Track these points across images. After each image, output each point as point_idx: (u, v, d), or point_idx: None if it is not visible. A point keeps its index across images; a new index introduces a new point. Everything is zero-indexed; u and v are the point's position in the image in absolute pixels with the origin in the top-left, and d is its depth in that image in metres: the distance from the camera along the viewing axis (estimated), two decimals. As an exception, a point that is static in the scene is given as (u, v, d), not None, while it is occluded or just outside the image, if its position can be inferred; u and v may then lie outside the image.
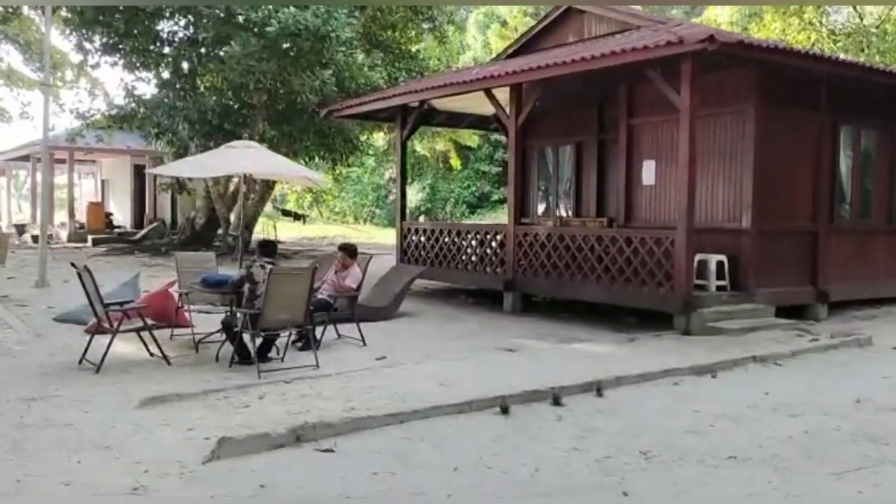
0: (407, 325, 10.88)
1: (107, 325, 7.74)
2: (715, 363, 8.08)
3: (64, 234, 28.33)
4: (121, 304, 8.09)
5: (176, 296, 9.33)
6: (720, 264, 10.88)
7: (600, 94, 13.75)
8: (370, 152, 29.78)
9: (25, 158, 32.05)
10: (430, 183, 41.73)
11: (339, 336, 9.35)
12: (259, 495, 4.55)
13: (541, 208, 15.73)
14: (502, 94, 12.42)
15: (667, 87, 9.89)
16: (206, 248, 21.57)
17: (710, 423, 6.03)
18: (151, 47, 20.45)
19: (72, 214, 28.99)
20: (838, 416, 6.29)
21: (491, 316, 11.90)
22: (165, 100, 20.25)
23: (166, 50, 20.78)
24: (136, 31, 19.66)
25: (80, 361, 7.68)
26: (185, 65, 20.75)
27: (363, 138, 23.49)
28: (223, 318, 8.22)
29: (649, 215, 12.61)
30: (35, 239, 25.10)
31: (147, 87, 22.43)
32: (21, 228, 30.92)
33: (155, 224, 28.72)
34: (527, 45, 14.68)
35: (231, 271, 9.99)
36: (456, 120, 17.25)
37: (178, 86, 20.58)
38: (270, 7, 17.11)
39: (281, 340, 8.19)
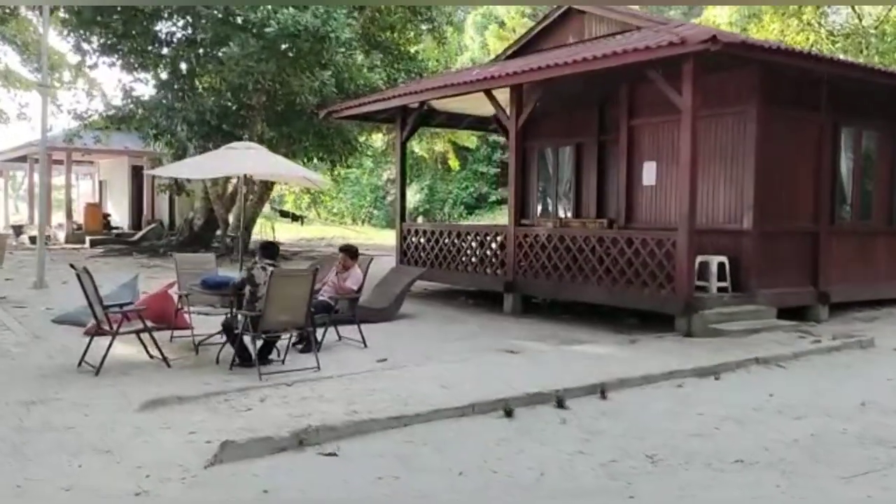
0: (407, 327, 10.83)
1: (106, 326, 7.69)
2: (717, 365, 8.05)
3: (61, 236, 28.25)
4: (120, 305, 8.04)
5: (175, 297, 9.28)
6: (721, 266, 10.84)
7: (601, 95, 13.72)
8: (369, 153, 29.71)
9: (23, 159, 31.97)
10: (429, 184, 41.71)
11: (340, 338, 9.31)
12: (262, 500, 4.50)
13: (540, 209, 15.69)
14: (502, 95, 12.37)
15: (668, 88, 9.85)
16: (205, 249, 21.51)
17: (714, 426, 5.99)
18: (150, 48, 20.39)
19: (69, 215, 28.91)
20: (843, 418, 6.26)
21: (491, 317, 11.85)
22: (164, 101, 20.18)
23: (165, 51, 20.72)
24: (134, 32, 19.60)
25: (80, 364, 7.62)
26: (183, 65, 20.69)
27: (362, 139, 23.45)
28: (223, 319, 8.16)
29: (650, 216, 12.58)
30: (32, 240, 25.03)
31: (145, 87, 22.42)
32: (18, 229, 30.83)
33: (153, 225, 28.65)
34: (526, 45, 14.64)
35: (230, 272, 9.96)
36: (455, 121, 17.20)
37: (176, 86, 20.52)
38: (269, 7, 17.07)
39: (281, 342, 8.15)
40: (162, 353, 7.86)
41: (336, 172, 26.72)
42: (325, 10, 16.96)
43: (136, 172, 30.33)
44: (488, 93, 12.37)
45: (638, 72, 10.42)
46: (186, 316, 9.08)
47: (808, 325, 10.68)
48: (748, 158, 10.95)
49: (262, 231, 26.54)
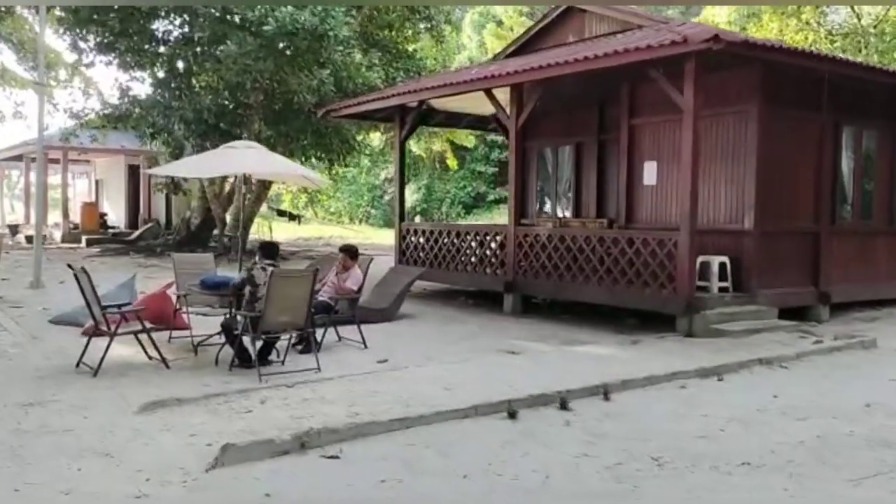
0: (407, 327, 10.78)
1: (104, 327, 7.62)
2: (720, 366, 8.01)
3: (58, 235, 28.13)
4: (118, 306, 7.96)
5: (174, 297, 9.21)
6: (722, 266, 10.80)
7: (601, 95, 13.66)
8: (366, 152, 29.63)
9: (19, 158, 31.84)
10: (426, 183, 41.65)
11: (340, 338, 9.25)
12: (265, 504, 4.44)
13: (538, 208, 15.63)
14: (502, 95, 12.32)
15: (670, 88, 9.81)
16: (202, 248, 21.41)
17: (720, 428, 5.94)
18: (147, 46, 20.28)
19: (66, 215, 28.78)
20: (849, 420, 6.21)
21: (491, 317, 11.80)
22: (161, 99, 20.08)
23: (161, 49, 20.62)
24: (131, 31, 19.50)
25: (77, 365, 7.56)
26: (180, 64, 20.59)
27: (360, 138, 23.36)
28: (223, 320, 8.10)
29: (650, 216, 12.53)
30: (29, 239, 24.92)
31: (142, 86, 22.29)
32: (14, 229, 30.71)
33: (150, 224, 28.54)
34: (526, 44, 14.58)
35: (229, 272, 9.89)
36: (454, 120, 17.15)
37: (173, 85, 20.41)
38: (267, 6, 16.98)
39: (281, 343, 8.08)
40: (161, 354, 7.79)
41: (334, 171, 26.65)
42: (323, 8, 16.88)
43: (133, 171, 30.23)
44: (488, 92, 12.31)
45: (639, 71, 10.38)
46: (185, 316, 9.01)
47: (809, 326, 10.65)
48: (749, 158, 10.91)
49: (259, 230, 26.46)
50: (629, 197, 12.89)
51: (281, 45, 17.16)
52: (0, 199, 41.86)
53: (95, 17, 19.00)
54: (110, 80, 27.50)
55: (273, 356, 7.92)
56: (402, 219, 15.37)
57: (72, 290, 9.42)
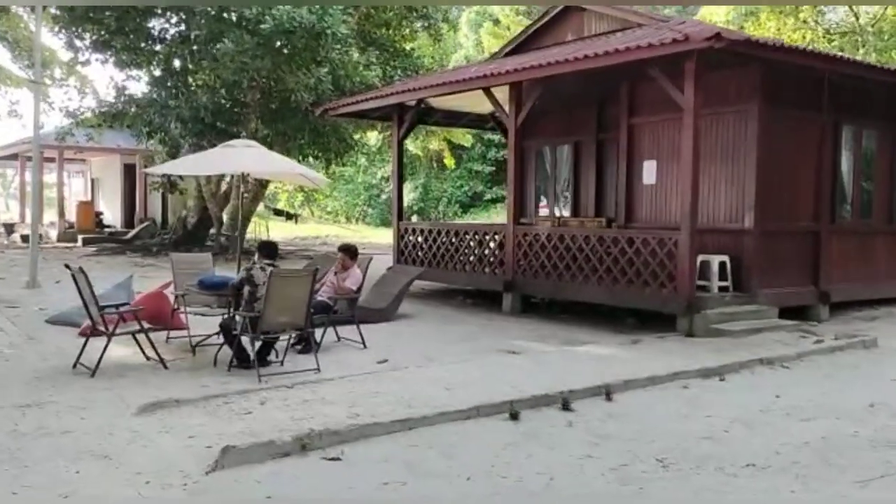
0: (406, 327, 10.72)
1: (102, 327, 7.56)
2: (722, 366, 7.97)
3: (53, 234, 28.02)
4: (116, 306, 7.90)
5: (171, 297, 9.14)
6: (722, 265, 10.77)
7: (600, 94, 13.61)
8: (363, 151, 29.56)
9: (14, 157, 31.72)
10: (423, 182, 41.59)
11: (339, 338, 9.19)
12: (266, 507, 4.39)
13: (539, 208, 15.59)
14: (501, 93, 12.27)
15: (670, 86, 9.76)
16: (199, 248, 21.35)
17: (723, 429, 5.90)
18: (143, 45, 20.21)
19: (61, 214, 28.68)
20: (853, 420, 6.17)
21: (490, 317, 11.76)
22: (157, 98, 20.00)
23: (158, 47, 20.54)
24: (127, 29, 19.42)
25: (75, 365, 7.49)
26: (177, 62, 20.51)
27: (357, 137, 23.30)
28: (221, 320, 8.03)
29: (650, 215, 12.49)
30: (24, 239, 24.84)
31: (138, 85, 22.21)
32: (10, 228, 30.59)
33: (146, 224, 28.44)
34: (524, 43, 14.55)
35: (227, 272, 9.82)
36: (453, 119, 17.10)
37: (169, 84, 20.33)
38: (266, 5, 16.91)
39: (280, 343, 8.02)
40: (158, 355, 7.72)
41: (331, 171, 26.59)
42: (320, 6, 16.81)
43: (129, 170, 30.12)
44: (487, 91, 12.27)
45: (639, 70, 10.34)
46: (182, 316, 8.94)
47: (810, 325, 10.62)
48: (749, 157, 10.88)
49: (256, 230, 26.38)
50: (628, 196, 12.85)
51: (278, 43, 17.08)
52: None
53: (91, 15, 18.91)
54: (106, 79, 27.35)
55: (272, 356, 7.86)
56: (400, 218, 15.32)
57: (68, 290, 9.37)
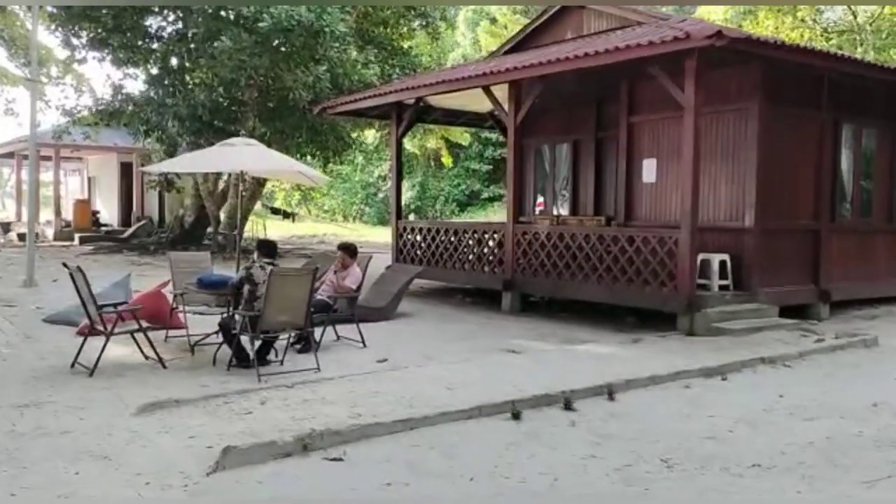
0: (405, 326, 10.68)
1: (100, 327, 7.50)
2: (723, 365, 7.94)
3: (50, 233, 27.91)
4: (114, 305, 7.85)
5: (170, 296, 9.08)
6: (723, 263, 10.73)
7: (599, 92, 13.58)
8: (361, 149, 29.51)
9: (10, 156, 31.60)
10: (420, 181, 41.49)
11: (338, 337, 9.14)
12: (268, 508, 4.34)
13: (536, 206, 15.55)
14: (500, 92, 12.23)
15: (671, 85, 9.72)
16: (196, 246, 21.30)
17: (727, 429, 5.86)
18: (140, 43, 20.14)
19: (58, 212, 28.57)
20: (857, 420, 6.14)
21: (489, 316, 11.72)
22: (154, 96, 19.92)
23: (155, 45, 20.47)
24: (124, 27, 19.35)
25: (73, 365, 7.43)
26: (174, 60, 20.44)
27: (354, 135, 23.26)
28: (220, 319, 7.98)
29: (649, 214, 12.46)
30: (21, 237, 24.75)
31: (135, 83, 22.12)
32: (6, 227, 30.48)
33: (143, 222, 28.35)
34: (524, 41, 14.50)
35: (225, 271, 9.77)
36: (451, 117, 17.05)
37: (166, 82, 20.26)
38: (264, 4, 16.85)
39: (280, 343, 7.96)
40: (157, 354, 7.67)
41: (329, 169, 26.54)
42: (318, 5, 16.76)
43: (126, 169, 30.03)
44: (486, 89, 12.22)
45: (638, 68, 10.30)
46: (181, 315, 8.89)
47: (810, 324, 10.60)
48: (749, 155, 10.84)
49: (253, 228, 26.32)
50: (628, 194, 12.81)
51: (276, 41, 17.02)
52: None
53: (88, 12, 18.83)
54: (103, 77, 27.26)
55: (272, 356, 7.81)
56: (399, 216, 15.27)
57: (66, 289, 9.32)
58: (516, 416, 6.07)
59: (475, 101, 13.79)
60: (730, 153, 11.14)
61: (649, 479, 4.78)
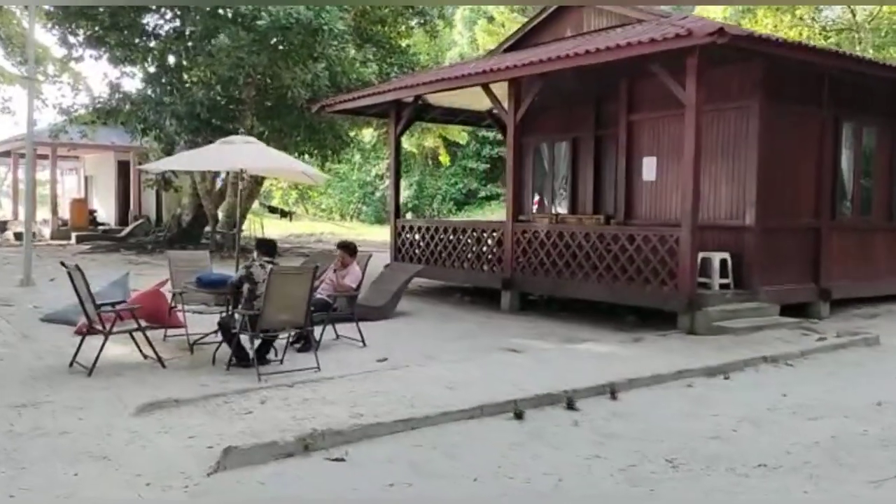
0: (404, 325, 10.63)
1: (98, 326, 7.44)
2: (726, 364, 7.90)
3: (47, 232, 27.82)
4: (113, 304, 7.79)
5: (168, 295, 9.03)
6: (723, 262, 10.69)
7: (598, 90, 13.53)
8: (359, 148, 29.46)
9: (6, 154, 31.46)
10: (418, 180, 41.43)
11: (338, 336, 9.09)
12: (270, 509, 4.29)
13: (533, 205, 15.50)
14: (500, 90, 12.18)
15: (672, 82, 9.68)
16: (194, 245, 21.23)
17: (731, 428, 5.82)
18: (137, 41, 20.06)
19: (55, 211, 28.47)
20: (861, 419, 6.10)
21: (488, 315, 11.67)
22: (152, 94, 19.84)
23: (152, 43, 20.39)
24: (121, 24, 19.28)
25: (71, 364, 7.37)
26: (171, 59, 20.37)
27: (352, 134, 23.21)
28: (219, 318, 7.92)
29: (649, 212, 12.42)
30: (17, 236, 24.67)
31: (132, 81, 22.04)
32: (2, 226, 30.37)
33: (140, 221, 28.24)
34: (523, 39, 14.45)
35: (224, 270, 9.71)
36: (450, 116, 16.99)
37: (164, 80, 20.19)
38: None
39: (279, 342, 7.91)
40: (156, 354, 7.61)
41: (326, 168, 26.50)
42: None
43: (123, 168, 29.92)
44: (486, 87, 12.17)
45: (639, 66, 10.26)
46: (180, 314, 8.83)
47: (811, 322, 10.57)
48: (750, 153, 10.81)
49: (251, 227, 26.25)
50: (628, 193, 12.77)
51: (274, 39, 16.95)
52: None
53: (85, 10, 18.75)
54: (100, 76, 27.20)
55: (271, 355, 7.75)
56: (397, 215, 15.22)
57: (63, 288, 9.26)
58: (519, 415, 6.02)
59: (474, 100, 13.75)
60: (730, 151, 11.10)
61: (655, 480, 4.73)
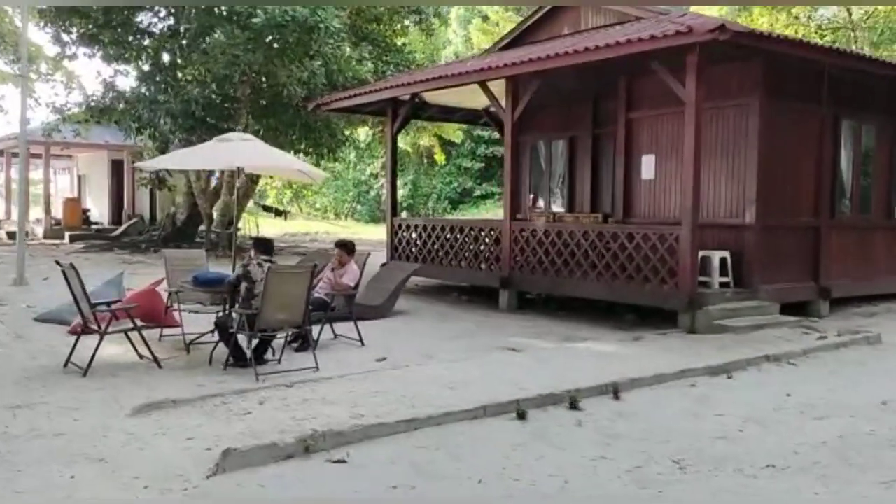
0: (402, 324, 10.54)
1: (93, 325, 7.34)
2: (728, 363, 7.84)
3: (39, 231, 27.64)
4: (108, 303, 7.68)
5: (164, 295, 8.92)
6: (723, 260, 10.63)
7: (596, 88, 13.45)
8: (355, 146, 29.35)
9: (-1, 153, 31.29)
10: (413, 178, 41.33)
11: (336, 335, 8.99)
12: (271, 513, 4.20)
13: (533, 203, 15.42)
14: (497, 88, 12.09)
15: (672, 80, 9.61)
16: (188, 244, 21.08)
17: (737, 428, 5.75)
18: (131, 39, 19.93)
19: (48, 211, 28.29)
20: (868, 418, 6.04)
21: (486, 314, 11.59)
22: (146, 93, 19.71)
23: (146, 41, 20.25)
24: (114, 23, 19.14)
25: (66, 364, 7.26)
26: (166, 57, 20.23)
27: (347, 133, 23.11)
28: (217, 318, 7.82)
29: (648, 210, 12.35)
30: (10, 235, 24.48)
31: (126, 80, 21.90)
32: (-5, 225, 30.18)
33: (134, 220, 28.09)
34: (520, 37, 14.35)
35: (220, 269, 9.61)
36: (446, 114, 16.90)
37: (158, 78, 20.05)
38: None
39: (277, 341, 7.81)
40: (152, 353, 7.51)
41: (321, 166, 26.38)
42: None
43: (117, 167, 29.74)
44: (483, 85, 12.08)
45: (638, 64, 10.18)
46: (176, 314, 8.73)
47: (811, 321, 10.52)
48: (750, 151, 10.74)
49: (246, 226, 26.12)
50: (626, 191, 12.69)
51: (269, 37, 16.84)
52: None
53: (78, 8, 18.62)
54: (93, 74, 26.97)
55: (269, 355, 7.66)
56: (394, 213, 15.12)
57: (57, 287, 9.14)
58: (522, 415, 5.94)
59: (471, 98, 13.65)
60: (730, 149, 11.03)
61: (662, 481, 4.66)
